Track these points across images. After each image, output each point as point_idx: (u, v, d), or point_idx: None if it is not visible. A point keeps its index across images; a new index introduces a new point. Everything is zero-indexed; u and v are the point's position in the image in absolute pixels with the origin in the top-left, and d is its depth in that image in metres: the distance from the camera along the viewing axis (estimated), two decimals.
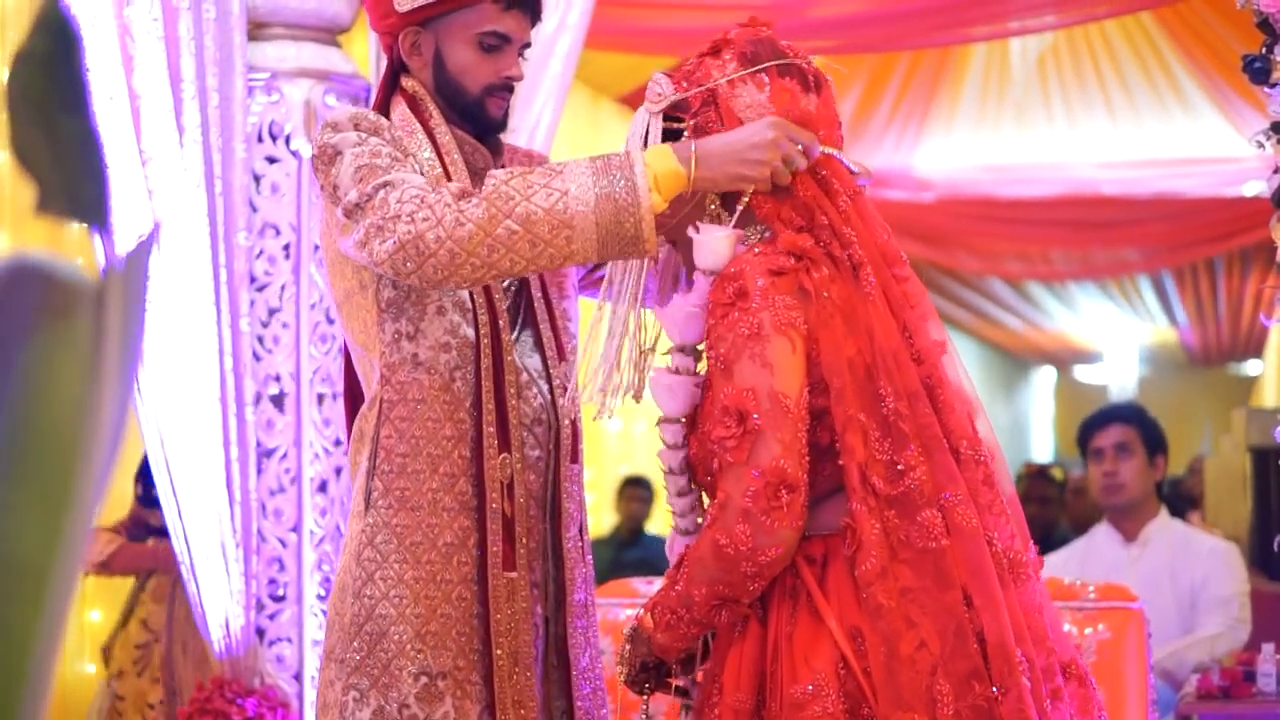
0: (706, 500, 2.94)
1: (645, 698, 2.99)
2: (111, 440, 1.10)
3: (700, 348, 2.89)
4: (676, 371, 2.90)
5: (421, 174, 3.08)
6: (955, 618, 2.66)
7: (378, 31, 3.32)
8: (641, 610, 2.90)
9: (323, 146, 3.09)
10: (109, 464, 1.10)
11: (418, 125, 3.20)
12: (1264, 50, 4.00)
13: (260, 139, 4.77)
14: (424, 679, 3.11)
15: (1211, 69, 9.65)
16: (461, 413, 3.15)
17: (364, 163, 3.01)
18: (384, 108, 3.28)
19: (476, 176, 3.23)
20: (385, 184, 2.96)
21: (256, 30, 4.84)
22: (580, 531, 3.31)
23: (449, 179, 3.15)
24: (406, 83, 3.27)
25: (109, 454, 1.10)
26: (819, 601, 2.73)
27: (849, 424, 2.71)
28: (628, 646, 2.93)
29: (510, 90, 3.27)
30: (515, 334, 3.23)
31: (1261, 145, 4.02)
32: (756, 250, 2.80)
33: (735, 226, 2.88)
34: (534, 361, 3.25)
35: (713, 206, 2.91)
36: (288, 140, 4.79)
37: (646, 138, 2.93)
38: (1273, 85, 3.99)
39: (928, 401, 2.75)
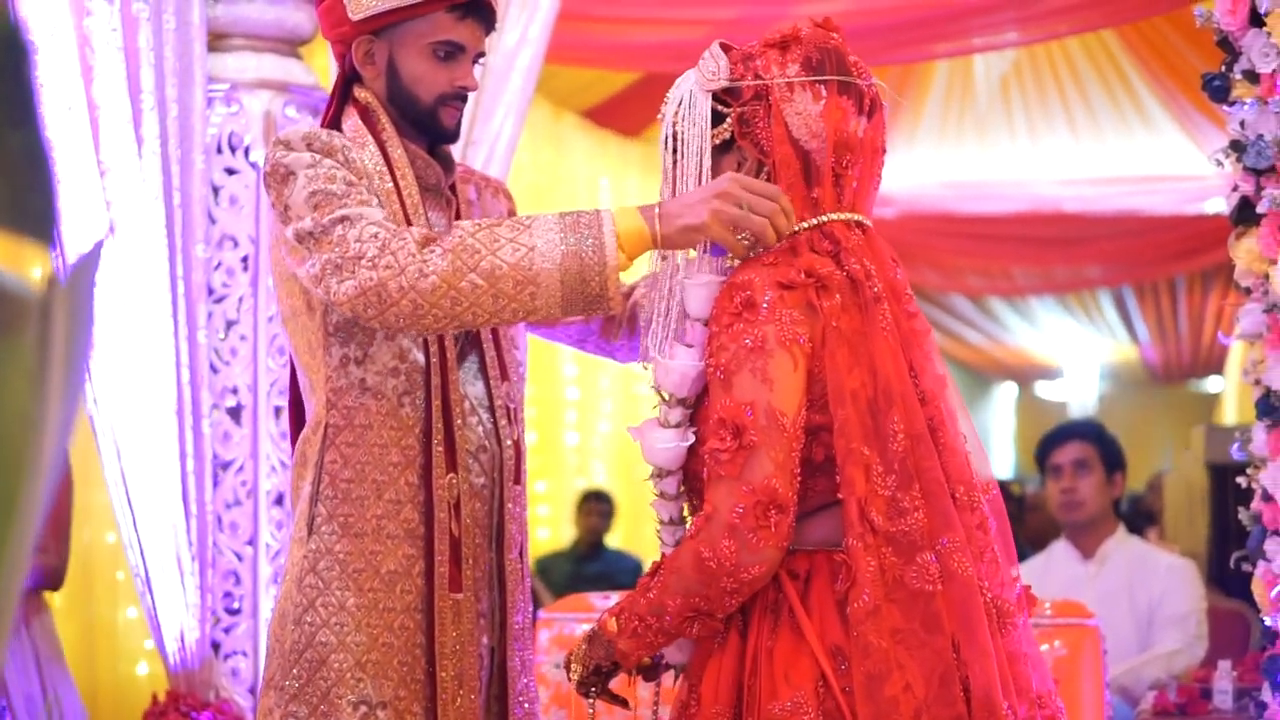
0: (688, 509, 2.92)
1: (592, 701, 2.96)
2: (57, 452, 1.09)
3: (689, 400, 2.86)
4: (666, 425, 2.86)
5: (376, 197, 3.06)
6: (943, 663, 2.64)
7: (330, 40, 3.29)
8: (604, 614, 2.84)
9: (275, 165, 3.06)
10: (53, 476, 1.09)
11: (369, 138, 3.18)
12: (1223, 68, 4.01)
13: (219, 150, 4.76)
14: (363, 708, 3.09)
15: (1173, 86, 9.70)
16: (410, 439, 3.13)
17: (319, 188, 2.99)
18: (336, 118, 3.25)
19: (428, 192, 3.22)
20: (343, 219, 2.94)
21: (216, 41, 4.82)
22: (520, 554, 3.29)
23: (399, 195, 3.13)
24: (359, 93, 3.24)
25: (54, 466, 1.09)
26: (801, 618, 2.71)
27: (850, 456, 2.67)
28: (584, 647, 2.88)
29: (464, 100, 3.25)
30: (459, 355, 3.21)
31: (1220, 163, 4.03)
32: (766, 261, 2.77)
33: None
34: (476, 389, 3.22)
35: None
36: (247, 152, 4.78)
37: (691, 112, 2.87)
38: (1232, 103, 4.00)
39: (931, 443, 2.73)
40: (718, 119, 2.87)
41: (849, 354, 2.71)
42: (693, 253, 2.92)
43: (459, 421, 3.16)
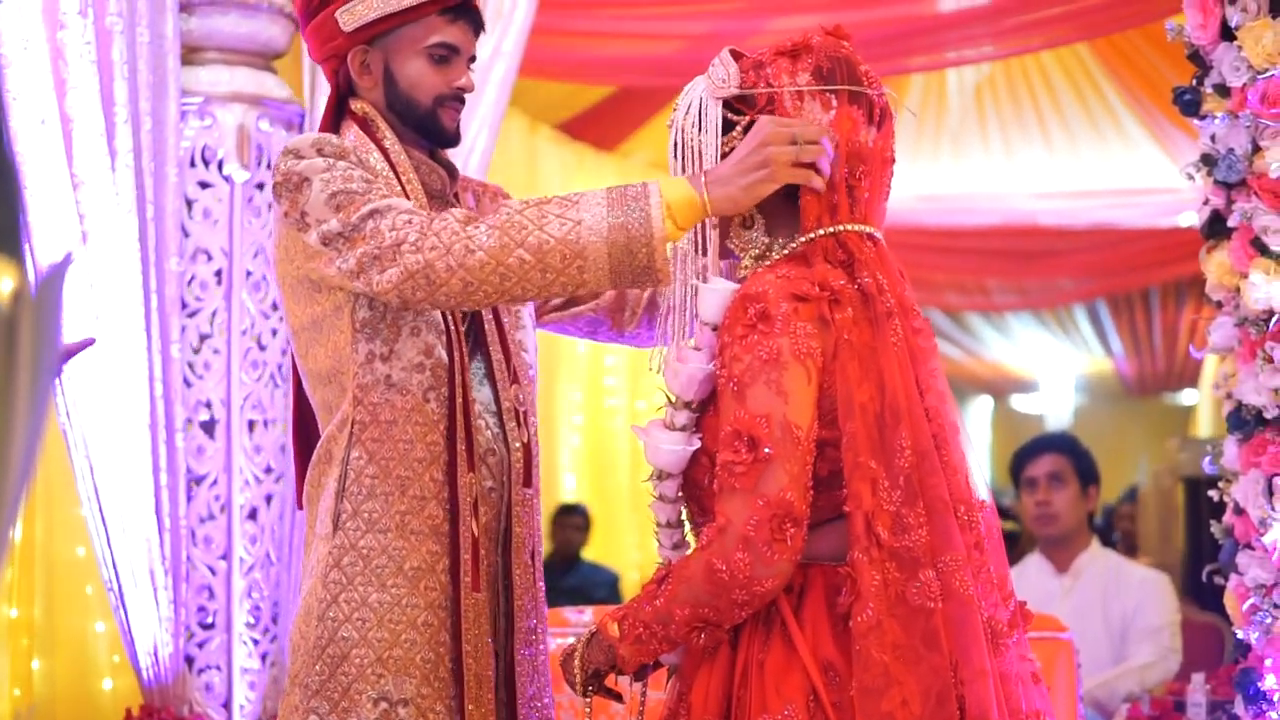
0: (686, 514, 2.92)
1: (588, 700, 2.95)
2: (24, 464, 1.09)
3: (696, 405, 2.85)
4: (671, 427, 2.86)
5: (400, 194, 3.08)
6: (940, 681, 2.63)
7: (322, 59, 3.31)
8: (605, 618, 2.83)
9: (287, 174, 3.08)
10: (23, 487, 1.09)
11: (372, 146, 3.20)
12: (1194, 82, 4.03)
13: (193, 164, 4.75)
14: (384, 705, 3.09)
15: (1147, 100, 9.71)
16: (435, 435, 3.14)
17: (338, 188, 3.01)
18: (334, 132, 3.27)
19: (433, 198, 3.24)
20: (373, 212, 2.97)
21: (190, 55, 4.82)
22: (531, 556, 3.29)
23: (406, 199, 3.15)
24: (355, 105, 3.27)
25: (22, 478, 1.09)
26: (793, 631, 2.71)
27: (858, 470, 2.67)
28: (583, 649, 2.87)
29: (462, 101, 3.29)
30: (470, 357, 3.22)
31: (1192, 177, 4.05)
32: (780, 272, 2.76)
33: (768, 233, 2.86)
34: (483, 393, 3.24)
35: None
36: (220, 165, 4.77)
37: (702, 119, 2.88)
38: (1203, 117, 4.02)
39: (936, 460, 2.72)
40: (727, 126, 2.87)
41: (859, 368, 2.71)
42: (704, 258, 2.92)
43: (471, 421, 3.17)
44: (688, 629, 2.71)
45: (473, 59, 3.31)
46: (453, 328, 3.15)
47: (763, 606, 2.71)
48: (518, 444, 3.24)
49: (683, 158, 2.90)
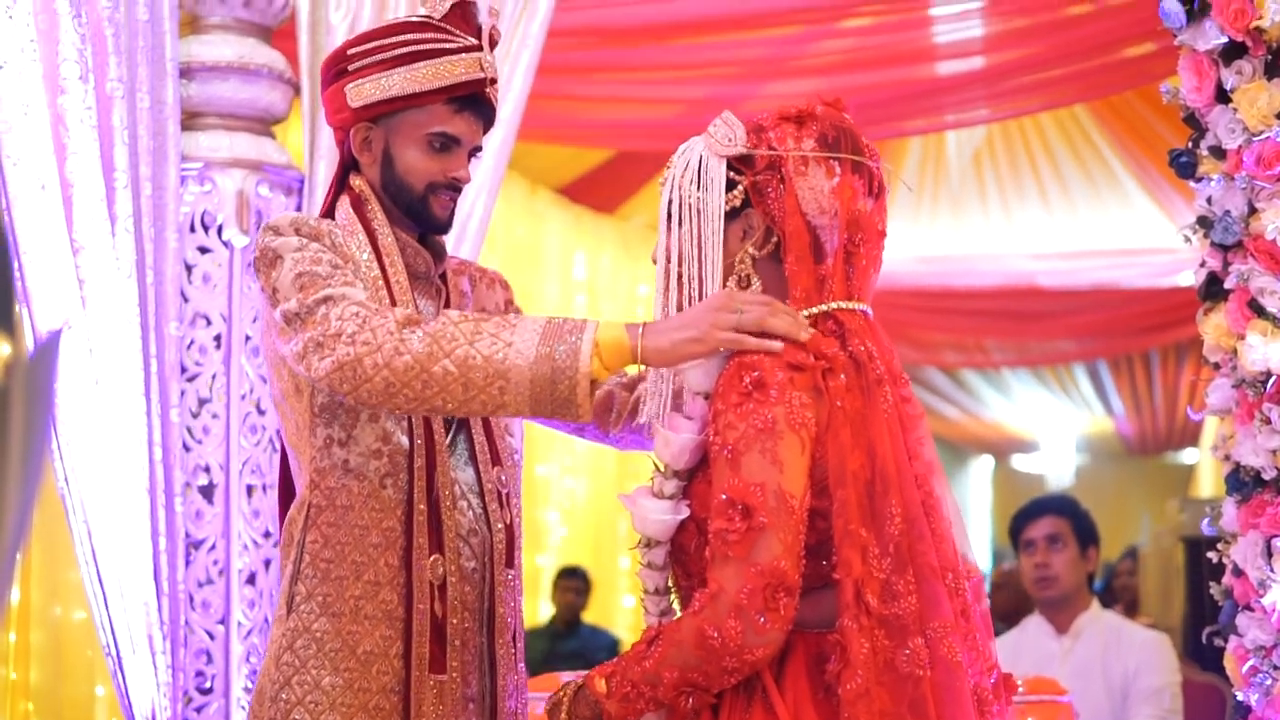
0: (672, 579, 2.91)
1: None
2: (18, 529, 1.09)
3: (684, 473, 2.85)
4: (660, 495, 2.87)
5: (361, 281, 3.10)
6: None
7: (331, 126, 3.35)
8: (593, 674, 2.83)
9: (263, 250, 3.11)
10: (15, 552, 1.09)
11: (359, 226, 3.22)
12: (1190, 144, 4.04)
13: (193, 229, 4.76)
14: None
15: (1146, 161, 9.74)
16: (391, 520, 3.15)
17: (304, 269, 3.03)
18: (332, 205, 3.31)
19: (417, 280, 3.26)
20: (327, 298, 2.98)
21: (190, 120, 4.83)
22: (514, 638, 3.29)
23: (387, 282, 3.18)
24: (354, 181, 3.29)
25: (14, 545, 1.09)
26: (774, 698, 2.70)
27: (848, 538, 2.67)
28: (569, 703, 2.87)
29: (457, 191, 3.30)
30: (450, 439, 3.22)
31: (1188, 239, 4.05)
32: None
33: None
34: (467, 475, 3.25)
35: (743, 268, 2.87)
36: (220, 230, 4.78)
37: (703, 177, 2.87)
38: (1199, 179, 4.02)
39: (926, 527, 2.72)
40: (729, 186, 2.87)
41: (851, 435, 2.71)
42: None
43: (448, 504, 3.17)
44: (675, 691, 2.71)
45: (476, 150, 3.32)
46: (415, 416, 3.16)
47: (752, 673, 2.71)
48: (500, 525, 3.25)
49: (680, 215, 2.90)
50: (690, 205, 2.88)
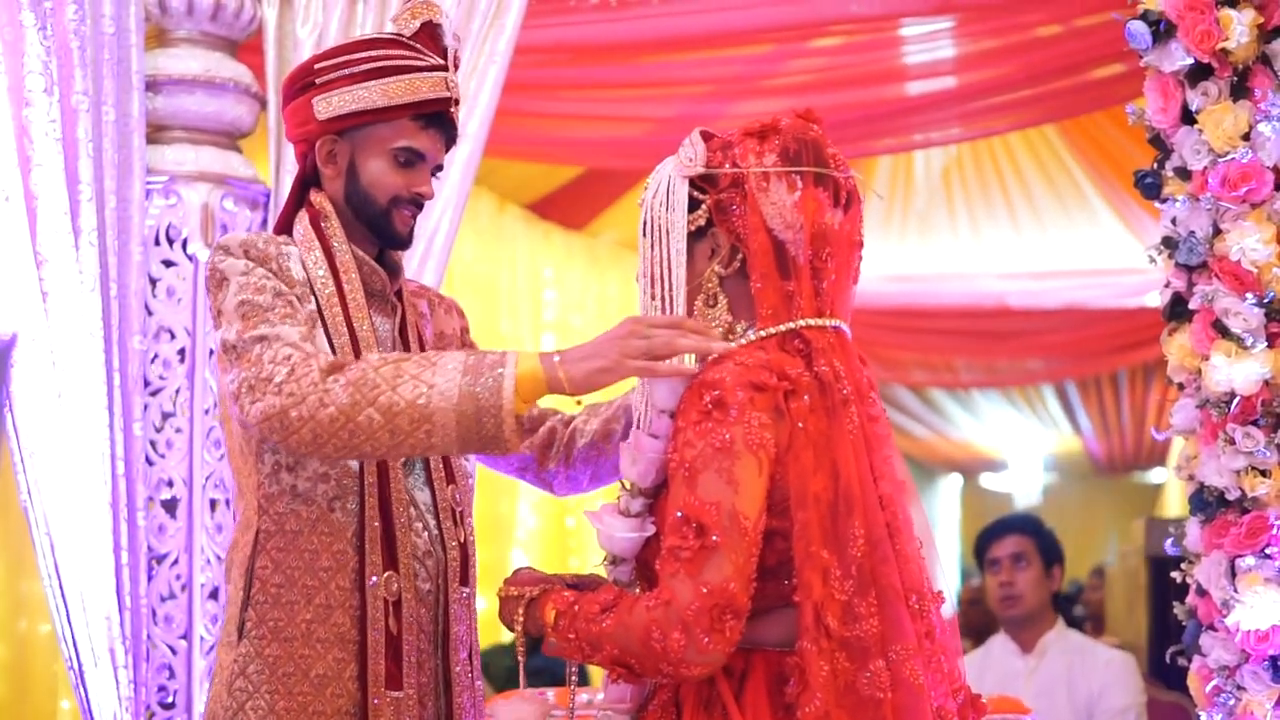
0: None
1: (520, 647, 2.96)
2: None
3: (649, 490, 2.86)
4: (626, 513, 2.87)
5: (306, 306, 3.13)
6: None
7: (293, 140, 3.36)
8: (548, 601, 2.87)
9: (212, 269, 3.14)
10: None
11: (317, 242, 3.23)
12: (1155, 165, 4.05)
13: (157, 242, 4.74)
14: None
15: (1114, 181, 9.75)
16: (341, 543, 3.15)
17: (246, 297, 3.06)
18: (289, 220, 3.33)
19: (372, 297, 3.28)
20: (262, 338, 3.00)
21: (156, 133, 4.82)
22: (470, 655, 3.29)
23: (343, 299, 3.19)
24: (314, 198, 3.31)
25: None
26: (734, 716, 2.71)
27: (809, 560, 2.67)
28: (524, 613, 2.92)
29: (419, 207, 3.33)
30: (406, 461, 3.22)
31: (1153, 260, 4.06)
32: (738, 360, 2.75)
33: (730, 312, 2.86)
34: (424, 495, 3.25)
35: (710, 287, 2.88)
36: (185, 244, 4.76)
37: (670, 197, 2.89)
38: (1164, 200, 4.04)
39: (890, 549, 2.72)
40: (693, 205, 2.87)
41: (813, 457, 2.70)
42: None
43: (403, 524, 3.17)
44: (610, 664, 2.74)
45: (438, 168, 3.36)
46: None
47: (684, 684, 2.73)
48: (454, 543, 3.26)
49: (652, 236, 2.91)
50: (659, 225, 2.89)
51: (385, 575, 3.13)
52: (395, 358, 2.95)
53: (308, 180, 3.34)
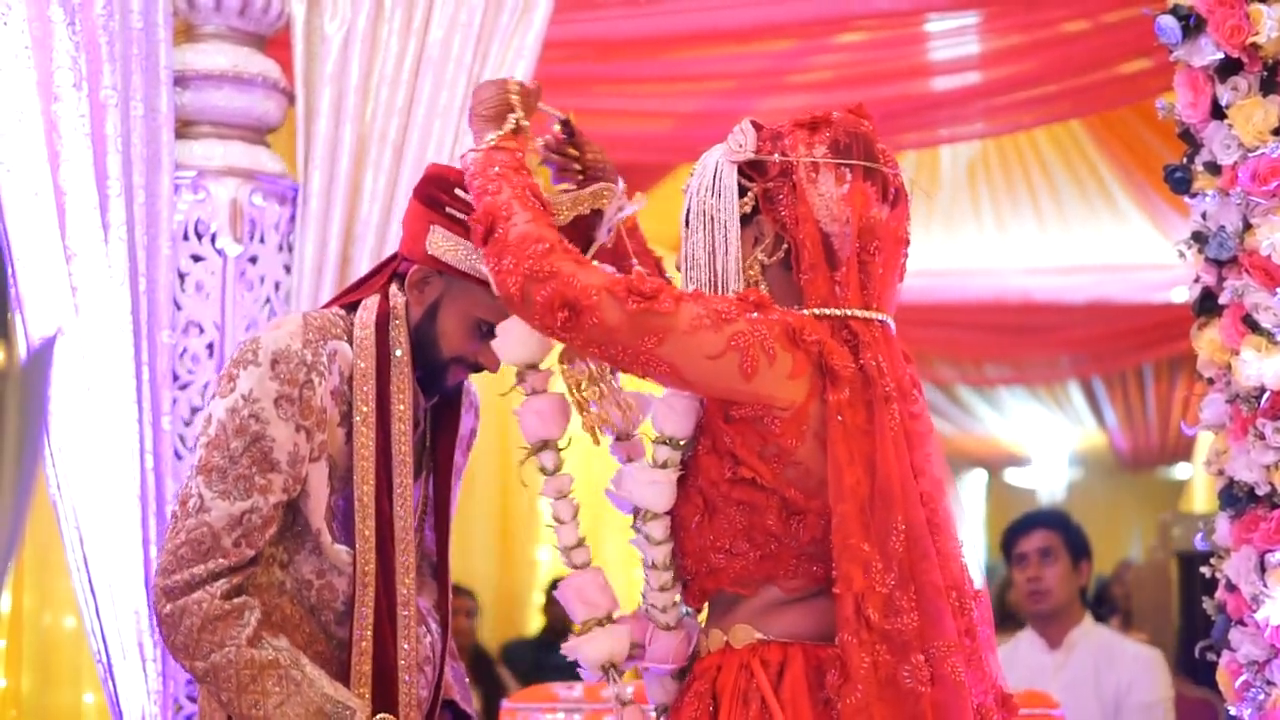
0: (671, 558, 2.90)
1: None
2: (10, 537, 1.09)
3: (683, 442, 2.85)
4: (660, 465, 2.86)
5: (302, 444, 3.14)
6: None
7: (404, 233, 3.32)
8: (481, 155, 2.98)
9: (236, 362, 3.17)
10: (8, 559, 1.09)
11: (374, 352, 3.21)
12: (1185, 160, 4.04)
13: (186, 237, 4.75)
14: None
15: (1140, 176, 9.73)
16: (320, 644, 3.21)
17: (218, 453, 3.12)
18: (358, 300, 3.31)
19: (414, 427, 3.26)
20: (203, 526, 3.10)
21: (184, 128, 4.83)
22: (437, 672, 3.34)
23: (386, 431, 3.19)
24: (395, 294, 3.27)
25: (8, 550, 1.08)
26: (773, 709, 2.69)
27: (847, 552, 2.66)
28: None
29: (476, 371, 3.31)
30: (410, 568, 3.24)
31: (1183, 255, 4.06)
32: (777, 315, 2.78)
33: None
34: (425, 600, 3.27)
35: (752, 275, 2.88)
36: (213, 239, 4.77)
37: (717, 183, 2.89)
38: (1194, 194, 4.03)
39: (930, 545, 2.71)
40: (741, 192, 2.88)
41: (848, 450, 2.69)
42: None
43: (404, 635, 3.19)
44: (479, 217, 2.85)
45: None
46: (392, 536, 3.19)
47: (721, 675, 2.75)
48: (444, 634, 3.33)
49: (695, 222, 2.90)
50: (705, 212, 2.88)
51: (379, 718, 3.17)
52: (269, 661, 3.06)
53: (399, 274, 3.31)
